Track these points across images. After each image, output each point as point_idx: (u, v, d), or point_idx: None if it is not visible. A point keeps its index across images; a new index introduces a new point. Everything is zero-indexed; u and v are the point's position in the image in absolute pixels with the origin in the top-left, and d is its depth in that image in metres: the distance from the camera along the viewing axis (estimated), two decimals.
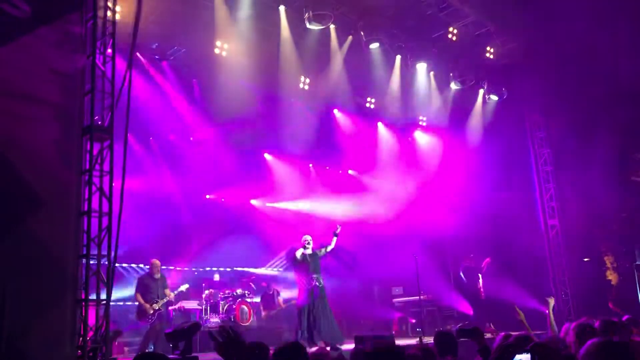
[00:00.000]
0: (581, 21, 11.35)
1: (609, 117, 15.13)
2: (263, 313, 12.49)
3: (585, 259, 14.31)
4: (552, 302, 6.70)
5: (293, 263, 9.35)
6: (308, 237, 9.40)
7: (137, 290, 9.95)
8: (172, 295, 10.17)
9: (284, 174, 14.77)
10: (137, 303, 9.96)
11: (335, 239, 9.31)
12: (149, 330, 9.68)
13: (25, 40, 6.42)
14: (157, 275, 10.08)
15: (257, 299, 12.64)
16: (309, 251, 9.26)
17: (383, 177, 15.20)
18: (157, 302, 9.75)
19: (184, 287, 10.64)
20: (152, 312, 9.68)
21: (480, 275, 11.66)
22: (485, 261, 11.67)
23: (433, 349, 4.37)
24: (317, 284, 9.05)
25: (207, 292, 11.56)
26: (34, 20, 6.50)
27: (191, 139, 13.23)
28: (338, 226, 9.38)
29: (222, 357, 2.95)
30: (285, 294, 12.93)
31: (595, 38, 12.40)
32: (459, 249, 13.88)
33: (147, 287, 9.91)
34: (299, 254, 9.17)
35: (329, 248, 9.35)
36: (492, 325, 6.52)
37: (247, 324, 11.27)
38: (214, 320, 11.32)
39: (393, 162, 15.09)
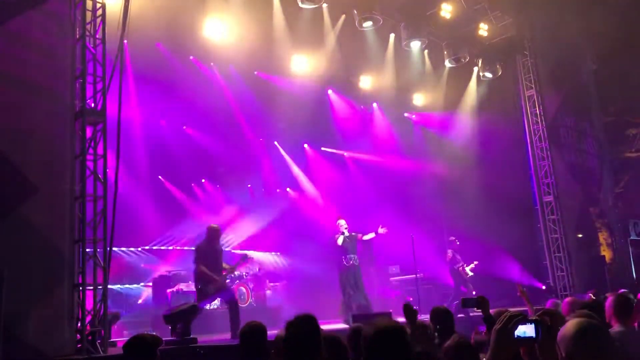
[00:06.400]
0: None
1: (602, 94, 15.17)
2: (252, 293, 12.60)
3: (579, 235, 14.41)
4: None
5: (335, 247, 9.92)
6: (342, 222, 9.99)
7: (198, 262, 8.12)
8: (231, 268, 8.71)
9: (278, 157, 14.78)
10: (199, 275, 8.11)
11: (373, 235, 10.01)
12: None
13: (12, 23, 6.33)
14: (218, 246, 8.48)
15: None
16: (346, 233, 9.89)
17: (377, 156, 15.16)
18: (221, 276, 8.19)
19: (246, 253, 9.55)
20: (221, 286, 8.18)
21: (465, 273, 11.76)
22: (473, 264, 11.76)
23: (428, 324, 4.39)
24: (354, 263, 9.88)
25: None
26: (21, 3, 6.40)
27: (184, 127, 13.15)
28: (384, 229, 9.93)
29: None
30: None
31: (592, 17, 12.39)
32: (453, 228, 13.91)
33: (210, 258, 8.15)
34: (340, 240, 9.82)
35: (364, 237, 10.04)
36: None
37: (245, 305, 11.34)
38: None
39: (387, 141, 15.04)
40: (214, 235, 8.36)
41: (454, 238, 12.25)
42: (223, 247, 8.82)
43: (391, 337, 2.59)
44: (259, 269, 12.98)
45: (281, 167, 14.90)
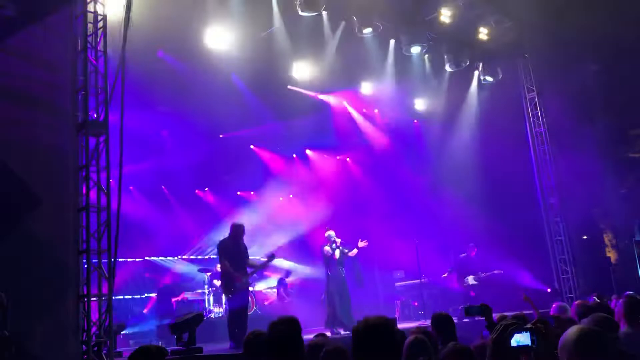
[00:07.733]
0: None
1: (606, 94, 15.13)
2: (276, 301, 12.69)
3: (584, 237, 14.35)
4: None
5: (327, 258, 9.68)
6: (332, 233, 9.76)
7: (223, 258, 8.12)
8: (258, 267, 8.76)
9: (277, 165, 14.81)
10: (221, 271, 8.28)
11: (356, 250, 9.80)
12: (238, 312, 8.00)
13: (15, 39, 6.39)
14: (242, 243, 8.33)
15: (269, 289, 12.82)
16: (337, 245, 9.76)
17: (379, 160, 15.17)
18: (245, 275, 8.10)
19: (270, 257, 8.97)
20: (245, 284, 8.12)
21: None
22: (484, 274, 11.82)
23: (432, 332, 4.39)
24: (343, 275, 9.69)
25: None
26: (22, 18, 6.46)
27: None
28: (364, 242, 9.80)
29: None
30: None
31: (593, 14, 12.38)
32: (458, 232, 13.90)
33: (234, 254, 8.09)
34: (337, 253, 9.62)
35: (349, 253, 9.79)
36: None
37: (250, 312, 11.33)
38: (217, 310, 11.38)
39: (389, 146, 15.06)
40: (237, 232, 8.28)
41: (472, 244, 12.29)
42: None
43: (380, 330, 2.60)
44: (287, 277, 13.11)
45: (283, 173, 14.92)
